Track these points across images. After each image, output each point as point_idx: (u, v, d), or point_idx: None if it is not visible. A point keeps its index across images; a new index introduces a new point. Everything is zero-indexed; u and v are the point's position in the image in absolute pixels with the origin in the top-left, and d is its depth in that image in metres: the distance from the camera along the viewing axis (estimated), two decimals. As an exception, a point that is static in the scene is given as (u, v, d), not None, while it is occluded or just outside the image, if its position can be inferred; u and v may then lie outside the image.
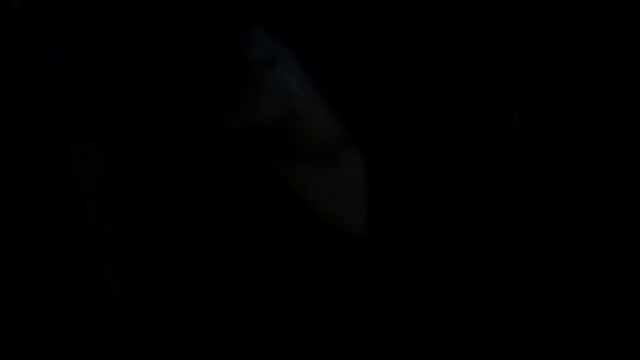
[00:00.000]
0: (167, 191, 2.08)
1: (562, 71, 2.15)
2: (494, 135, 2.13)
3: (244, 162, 2.14)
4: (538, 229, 2.11)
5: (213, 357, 2.09)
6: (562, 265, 2.13)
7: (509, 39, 2.15)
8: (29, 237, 2.09)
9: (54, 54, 2.11)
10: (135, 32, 2.10)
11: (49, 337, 2.08)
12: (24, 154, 2.11)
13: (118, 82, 2.10)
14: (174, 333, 2.07)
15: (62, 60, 2.11)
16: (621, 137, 2.12)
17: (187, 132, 2.11)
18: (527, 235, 2.12)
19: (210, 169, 2.12)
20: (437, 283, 2.11)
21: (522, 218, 2.12)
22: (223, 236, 2.11)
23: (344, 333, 2.11)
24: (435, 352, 2.11)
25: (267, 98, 2.11)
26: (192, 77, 2.11)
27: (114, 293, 2.07)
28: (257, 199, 2.14)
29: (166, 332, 2.07)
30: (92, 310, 2.08)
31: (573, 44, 2.16)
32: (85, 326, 2.09)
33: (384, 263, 2.13)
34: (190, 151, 2.11)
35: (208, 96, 2.10)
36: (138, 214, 2.07)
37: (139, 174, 2.08)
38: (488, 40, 2.15)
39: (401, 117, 2.17)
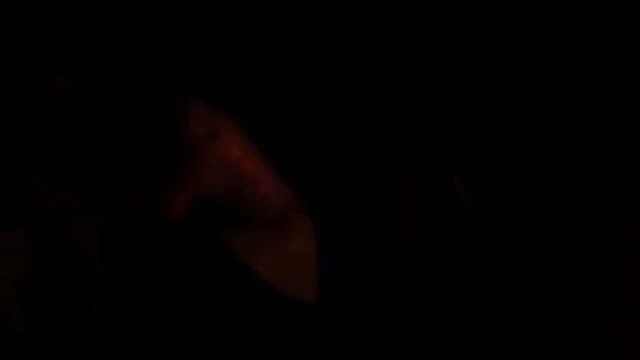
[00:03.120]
0: (104, 281, 2.00)
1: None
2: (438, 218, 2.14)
3: (191, 234, 2.08)
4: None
5: None
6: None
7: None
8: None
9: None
10: (69, 111, 2.00)
11: None
12: None
13: (48, 165, 2.00)
14: None
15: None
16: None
17: (126, 216, 2.03)
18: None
19: (148, 252, 2.05)
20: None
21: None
22: (171, 316, 2.06)
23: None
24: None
25: (211, 171, 2.04)
26: (130, 155, 2.03)
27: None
28: (205, 271, 2.09)
29: None
30: None
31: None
32: None
33: (335, 330, 2.11)
34: (128, 234, 2.04)
35: (149, 175, 2.02)
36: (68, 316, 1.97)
37: (70, 268, 1.98)
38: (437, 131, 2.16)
39: (348, 187, 2.15)
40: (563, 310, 2.16)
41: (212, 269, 2.07)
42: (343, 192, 2.17)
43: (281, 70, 2.17)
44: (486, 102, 2.19)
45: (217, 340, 2.02)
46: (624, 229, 2.12)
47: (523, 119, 2.20)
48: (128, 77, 2.04)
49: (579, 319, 2.14)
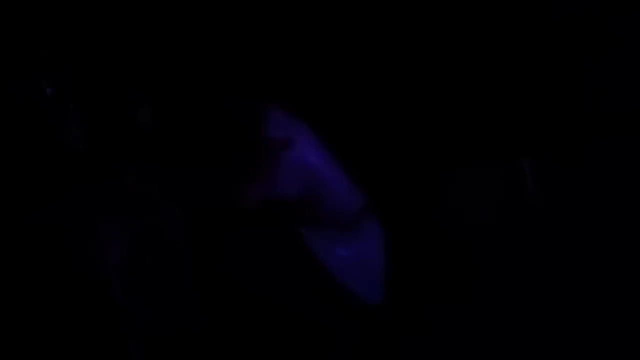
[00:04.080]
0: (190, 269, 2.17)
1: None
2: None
3: (270, 228, 2.21)
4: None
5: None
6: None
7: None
8: (54, 316, 2.19)
9: (81, 137, 2.18)
10: (156, 116, 2.17)
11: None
12: (50, 233, 2.19)
13: (140, 163, 2.18)
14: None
15: (88, 143, 2.18)
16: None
17: (207, 208, 2.19)
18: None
19: (231, 243, 2.20)
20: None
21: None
22: (246, 304, 2.20)
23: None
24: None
25: (286, 173, 2.17)
26: (212, 155, 2.17)
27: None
28: (282, 262, 2.22)
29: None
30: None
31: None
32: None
33: (395, 332, 2.21)
34: (211, 227, 2.20)
35: (229, 172, 2.16)
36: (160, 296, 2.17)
37: (161, 254, 2.16)
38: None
39: (414, 186, 2.25)
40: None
41: (288, 261, 2.20)
42: (411, 197, 2.26)
43: (355, 82, 2.28)
44: (557, 88, 2.23)
45: (284, 327, 2.15)
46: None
47: (596, 105, 2.22)
48: (214, 83, 2.19)
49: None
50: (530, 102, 2.26)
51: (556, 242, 2.21)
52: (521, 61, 2.26)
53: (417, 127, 2.30)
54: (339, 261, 2.22)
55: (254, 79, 2.26)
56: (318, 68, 2.29)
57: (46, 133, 2.16)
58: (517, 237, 2.22)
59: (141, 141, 2.18)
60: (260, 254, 2.21)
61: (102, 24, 2.22)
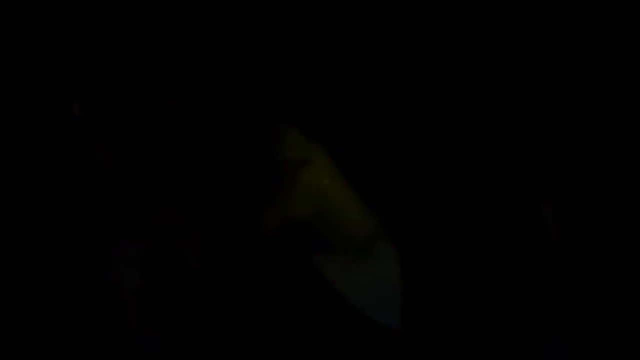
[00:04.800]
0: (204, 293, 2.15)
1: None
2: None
3: (280, 255, 2.19)
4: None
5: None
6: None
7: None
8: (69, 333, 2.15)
9: (108, 160, 2.18)
10: (177, 135, 2.18)
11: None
12: (72, 252, 2.17)
13: (162, 188, 2.17)
14: None
15: (115, 167, 2.19)
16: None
17: (224, 232, 2.17)
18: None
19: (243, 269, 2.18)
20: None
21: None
22: (260, 332, 2.17)
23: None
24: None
25: (301, 195, 2.17)
26: (229, 177, 2.17)
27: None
28: (293, 291, 2.19)
29: None
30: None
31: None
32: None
33: (415, 355, 2.18)
34: (227, 249, 2.18)
35: (244, 194, 2.15)
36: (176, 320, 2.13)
37: (176, 279, 2.14)
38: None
39: (430, 215, 2.24)
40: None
41: (302, 288, 2.18)
42: (425, 221, 2.25)
43: (369, 106, 2.28)
44: (577, 132, 2.26)
45: (300, 355, 2.12)
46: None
47: (613, 150, 2.25)
48: (230, 104, 2.19)
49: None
50: (550, 144, 2.28)
51: (572, 281, 2.21)
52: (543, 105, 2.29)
53: (435, 156, 2.29)
54: (354, 286, 2.20)
55: (270, 100, 2.26)
56: (335, 91, 2.29)
57: (72, 154, 2.16)
58: (534, 273, 2.22)
59: (164, 166, 2.18)
60: (274, 280, 2.19)
61: (130, 47, 2.23)
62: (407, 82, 2.31)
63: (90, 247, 2.15)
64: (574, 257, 2.19)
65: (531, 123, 2.26)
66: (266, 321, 2.17)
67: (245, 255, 2.18)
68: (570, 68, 2.27)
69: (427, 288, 2.23)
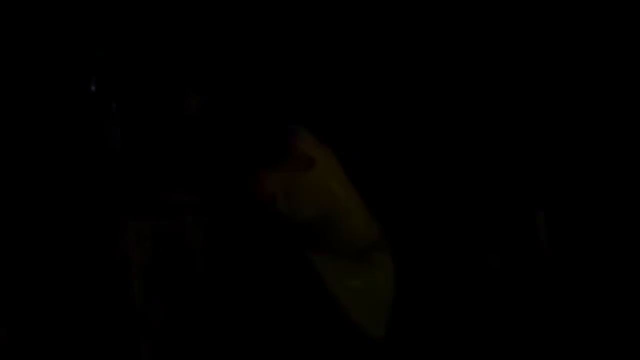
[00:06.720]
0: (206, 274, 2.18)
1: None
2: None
3: (283, 251, 2.22)
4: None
5: None
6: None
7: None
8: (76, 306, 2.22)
9: (121, 139, 2.24)
10: (196, 126, 2.22)
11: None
12: (87, 226, 2.24)
13: (175, 171, 2.24)
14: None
15: (129, 146, 2.25)
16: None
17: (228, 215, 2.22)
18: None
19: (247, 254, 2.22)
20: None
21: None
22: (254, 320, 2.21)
23: None
24: None
25: (309, 195, 2.19)
26: (238, 163, 2.21)
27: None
28: (290, 286, 2.22)
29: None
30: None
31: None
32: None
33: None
34: (229, 237, 2.22)
35: (248, 164, 2.20)
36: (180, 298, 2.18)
37: (179, 258, 2.18)
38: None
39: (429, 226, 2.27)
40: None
41: (297, 286, 2.21)
42: (425, 234, 2.27)
43: (381, 114, 2.31)
44: (572, 139, 2.27)
45: (284, 348, 2.15)
46: None
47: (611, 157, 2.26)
48: (248, 101, 2.23)
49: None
50: (546, 150, 2.29)
51: (565, 290, 2.22)
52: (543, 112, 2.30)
53: (437, 168, 2.31)
54: (346, 291, 2.21)
55: (288, 101, 2.29)
56: (354, 99, 2.32)
57: (86, 130, 2.21)
58: (526, 282, 2.22)
59: (176, 148, 2.23)
60: (270, 276, 2.23)
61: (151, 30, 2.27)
62: (413, 94, 2.34)
63: (102, 221, 2.20)
64: (566, 264, 2.20)
65: (525, 133, 2.28)
66: (257, 312, 2.21)
67: (247, 248, 2.22)
68: (565, 77, 2.28)
69: (418, 303, 2.25)
